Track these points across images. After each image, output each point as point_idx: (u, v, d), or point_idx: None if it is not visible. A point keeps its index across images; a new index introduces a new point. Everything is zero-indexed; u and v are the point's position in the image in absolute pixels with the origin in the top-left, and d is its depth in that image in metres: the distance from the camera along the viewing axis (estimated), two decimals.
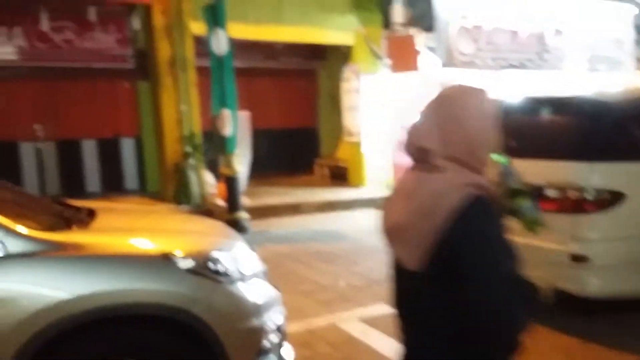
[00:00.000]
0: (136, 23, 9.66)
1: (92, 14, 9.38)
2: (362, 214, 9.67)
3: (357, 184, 11.30)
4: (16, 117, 9.36)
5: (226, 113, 8.17)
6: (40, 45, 9.08)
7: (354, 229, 8.62)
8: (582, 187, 4.31)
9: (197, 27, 8.83)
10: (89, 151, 9.96)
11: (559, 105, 4.95)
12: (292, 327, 4.31)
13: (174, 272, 3.09)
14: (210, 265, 3.21)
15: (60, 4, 9.09)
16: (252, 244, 3.97)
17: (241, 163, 8.37)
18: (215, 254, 3.26)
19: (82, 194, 9.36)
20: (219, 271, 3.23)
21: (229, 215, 7.89)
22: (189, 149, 9.31)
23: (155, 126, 9.77)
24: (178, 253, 3.15)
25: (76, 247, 2.99)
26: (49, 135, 9.58)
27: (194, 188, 9.05)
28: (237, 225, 7.68)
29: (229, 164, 8.06)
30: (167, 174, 9.51)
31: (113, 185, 9.90)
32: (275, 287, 3.70)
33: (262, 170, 9.61)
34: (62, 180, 9.66)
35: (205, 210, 8.28)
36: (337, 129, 12.18)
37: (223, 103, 8.22)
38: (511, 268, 1.58)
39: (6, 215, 2.99)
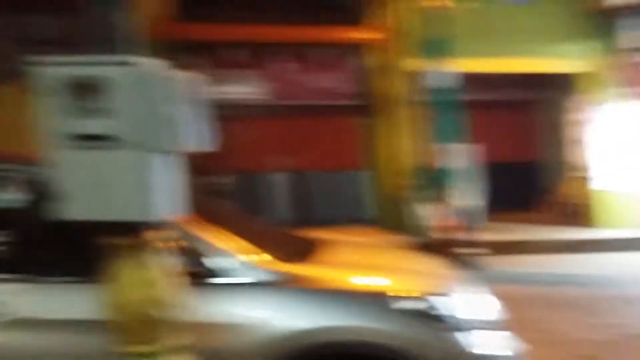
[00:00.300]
0: (359, 62, 10.04)
1: (318, 54, 10.01)
2: (607, 258, 8.71)
3: (592, 223, 10.38)
4: (255, 150, 10.19)
5: (448, 146, 8.17)
6: (276, 85, 9.86)
7: (600, 274, 7.83)
8: None
9: (417, 64, 8.95)
10: (316, 182, 10.49)
11: None
12: None
13: (391, 313, 3.07)
14: (428, 308, 3.12)
15: (290, 47, 9.83)
16: (485, 285, 3.78)
17: (470, 197, 8.22)
18: (433, 298, 3.17)
19: (311, 222, 9.77)
20: (437, 316, 3.12)
21: (454, 250, 7.76)
22: (410, 181, 9.41)
23: (376, 159, 10.03)
24: (396, 293, 3.14)
25: (303, 279, 3.13)
26: (283, 167, 10.27)
27: (416, 220, 9.06)
28: (463, 262, 7.54)
29: (450, 197, 7.98)
30: (387, 206, 9.70)
31: (337, 215, 10.20)
32: (517, 338, 3.47)
33: (489, 206, 9.37)
34: (293, 210, 10.26)
35: (428, 243, 8.16)
36: (563, 163, 11.45)
37: (443, 136, 8.23)
38: None
39: (253, 244, 3.24)
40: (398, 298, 3.11)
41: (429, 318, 3.13)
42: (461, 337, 3.16)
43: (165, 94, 2.43)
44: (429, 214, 8.65)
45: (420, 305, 3.12)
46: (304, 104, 10.02)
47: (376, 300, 3.13)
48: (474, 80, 9.98)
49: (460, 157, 8.21)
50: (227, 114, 9.61)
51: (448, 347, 3.12)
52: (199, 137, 2.63)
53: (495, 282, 6.89)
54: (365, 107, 10.03)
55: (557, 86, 11.41)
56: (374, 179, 10.16)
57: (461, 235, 7.97)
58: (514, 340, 3.44)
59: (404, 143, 9.78)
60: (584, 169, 10.71)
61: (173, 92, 2.47)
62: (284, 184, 10.28)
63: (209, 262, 3.05)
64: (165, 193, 2.51)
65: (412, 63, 9.26)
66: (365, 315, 3.07)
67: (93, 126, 2.37)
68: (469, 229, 8.03)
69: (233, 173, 9.80)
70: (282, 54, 9.95)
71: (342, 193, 10.44)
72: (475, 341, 3.18)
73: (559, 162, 11.74)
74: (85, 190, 2.37)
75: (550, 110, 12.12)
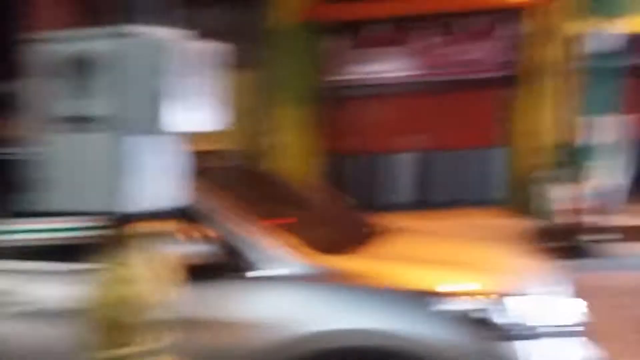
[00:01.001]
0: (515, 28, 9.33)
1: (467, 24, 9.49)
2: None
3: None
4: (383, 130, 9.83)
5: (597, 119, 7.37)
6: (420, 60, 9.52)
7: None
8: None
9: (572, 27, 8.23)
10: (443, 162, 9.90)
11: None
12: None
13: (428, 316, 2.67)
14: (478, 311, 2.67)
15: (435, 19, 9.38)
16: (571, 285, 3.16)
17: (615, 176, 7.50)
18: (489, 299, 2.70)
19: (430, 205, 9.38)
20: (488, 321, 2.66)
21: (579, 237, 7.27)
22: (546, 159, 8.67)
23: (513, 135, 9.37)
24: (441, 292, 2.70)
25: (337, 274, 2.80)
26: (411, 146, 9.81)
27: (542, 202, 8.22)
28: (579, 248, 7.17)
29: (587, 177, 7.44)
30: (518, 187, 9.03)
31: (462, 197, 9.65)
32: (597, 346, 2.88)
33: None
34: (414, 192, 9.81)
35: (551, 229, 7.60)
36: None
37: (596, 108, 7.51)
38: None
39: (288, 233, 2.98)
40: (442, 298, 2.66)
41: (478, 323, 2.68)
42: (516, 346, 2.66)
43: (166, 67, 2.22)
44: (560, 196, 7.89)
45: (469, 308, 2.68)
46: (448, 79, 9.60)
47: (412, 300, 2.73)
48: None
49: (608, 131, 7.43)
50: (365, 93, 9.54)
51: (493, 358, 2.63)
52: (207, 115, 2.39)
53: (619, 271, 6.55)
54: (510, 78, 9.37)
55: None
56: (509, 157, 9.50)
57: (592, 220, 7.31)
58: (592, 347, 2.84)
59: (546, 117, 9.04)
60: None
61: (179, 64, 2.25)
62: (408, 164, 9.91)
63: (229, 253, 2.83)
64: (159, 180, 2.33)
65: (574, 26, 8.45)
66: (395, 318, 2.69)
67: (81, 107, 2.25)
68: (603, 212, 7.33)
69: (358, 154, 9.65)
70: (428, 27, 9.61)
71: (470, 173, 9.87)
72: (535, 351, 2.66)
73: None
74: (67, 178, 2.26)
75: None
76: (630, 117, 7.77)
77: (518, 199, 9.05)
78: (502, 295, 2.75)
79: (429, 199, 9.66)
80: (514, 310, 2.72)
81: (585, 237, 7.29)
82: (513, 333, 2.69)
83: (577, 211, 7.56)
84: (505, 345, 2.67)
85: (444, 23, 9.47)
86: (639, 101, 8.73)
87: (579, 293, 3.23)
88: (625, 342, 4.61)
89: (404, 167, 9.86)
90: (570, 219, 7.58)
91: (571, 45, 8.48)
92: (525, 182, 8.94)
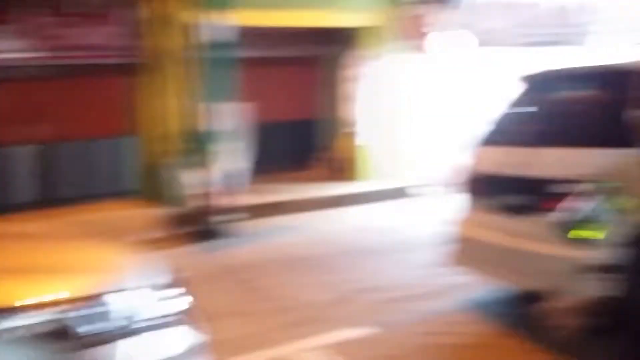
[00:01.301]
0: (133, 14, 9.08)
1: (81, 5, 8.90)
2: (359, 211, 9.04)
3: (356, 177, 10.61)
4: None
5: (217, 106, 7.67)
6: (29, 42, 8.63)
7: (345, 228, 7.96)
8: None
9: (189, 16, 8.28)
10: (68, 154, 9.28)
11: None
12: None
13: None
14: (51, 323, 2.29)
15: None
16: (176, 272, 3.02)
17: (238, 159, 7.78)
18: (64, 307, 2.33)
19: (56, 201, 8.77)
20: (64, 332, 2.29)
21: (211, 218, 7.49)
22: (170, 146, 8.71)
23: (141, 123, 9.23)
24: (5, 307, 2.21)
25: None
26: (28, 138, 8.95)
27: (177, 189, 8.24)
28: (211, 230, 7.44)
29: (214, 161, 7.57)
30: (150, 175, 8.95)
31: (92, 190, 9.23)
32: (200, 329, 2.79)
33: (262, 166, 9.11)
34: (36, 188, 9.02)
35: (185, 214, 7.71)
36: (337, 120, 11.50)
37: (215, 95, 7.70)
38: None
39: None
40: (5, 315, 2.21)
41: (58, 334, 2.30)
42: (108, 349, 2.39)
43: None
44: (191, 181, 7.99)
45: (43, 319, 2.28)
46: (67, 63, 8.94)
47: None
48: (252, 35, 9.55)
49: (228, 117, 7.74)
50: None
51: None
52: None
53: (237, 247, 7.05)
54: (135, 65, 9.16)
55: (339, 41, 11.25)
56: (138, 145, 9.35)
57: (222, 202, 7.60)
58: (196, 333, 2.75)
59: (171, 104, 9.06)
60: (352, 124, 10.87)
61: None
62: (26, 158, 9.04)
63: None
64: None
65: (189, 15, 8.48)
66: None
67: None
68: (231, 193, 7.66)
69: None
70: (33, 5, 8.66)
71: (101, 164, 9.48)
72: (133, 349, 2.46)
73: (334, 119, 11.74)
74: None
75: (329, 67, 11.96)
76: (246, 105, 8.19)
77: (149, 187, 8.96)
78: (90, 297, 2.41)
79: (54, 195, 9.00)
80: (105, 311, 2.42)
81: (216, 219, 7.53)
82: (104, 336, 2.39)
83: (207, 195, 7.73)
84: (94, 352, 2.35)
85: (51, 3, 8.72)
86: (252, 90, 9.46)
87: (207, 275, 3.27)
88: (252, 313, 4.85)
89: (21, 162, 8.95)
90: (201, 203, 7.73)
91: (189, 34, 8.58)
92: (155, 169, 8.86)
